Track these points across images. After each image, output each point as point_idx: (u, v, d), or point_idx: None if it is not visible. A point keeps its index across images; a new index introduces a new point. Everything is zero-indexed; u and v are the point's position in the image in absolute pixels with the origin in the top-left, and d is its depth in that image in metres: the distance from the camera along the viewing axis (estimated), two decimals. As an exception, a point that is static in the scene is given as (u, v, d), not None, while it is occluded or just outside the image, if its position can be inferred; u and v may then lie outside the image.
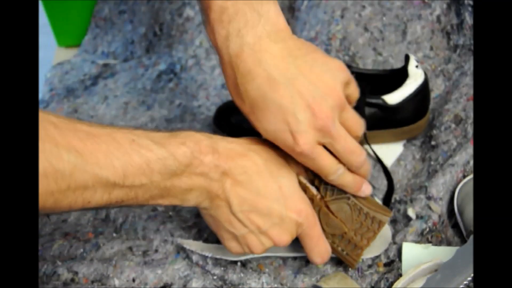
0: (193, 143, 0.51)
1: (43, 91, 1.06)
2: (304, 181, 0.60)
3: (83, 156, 0.46)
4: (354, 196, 0.60)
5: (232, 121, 0.84)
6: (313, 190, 0.60)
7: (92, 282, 0.66)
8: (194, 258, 0.67)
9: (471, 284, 0.55)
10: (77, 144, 0.46)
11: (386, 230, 0.67)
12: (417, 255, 0.64)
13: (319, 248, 0.59)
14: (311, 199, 0.59)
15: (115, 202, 0.50)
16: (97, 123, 0.51)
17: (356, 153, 0.57)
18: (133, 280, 0.65)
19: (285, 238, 0.57)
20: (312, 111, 0.53)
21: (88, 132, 0.48)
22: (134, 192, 0.50)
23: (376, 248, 0.66)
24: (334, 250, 0.62)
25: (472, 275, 0.55)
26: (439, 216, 0.68)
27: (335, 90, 0.54)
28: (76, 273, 0.66)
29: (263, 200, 0.54)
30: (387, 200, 0.72)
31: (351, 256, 0.61)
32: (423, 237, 0.67)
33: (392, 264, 0.65)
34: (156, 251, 0.69)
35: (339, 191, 0.60)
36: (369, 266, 0.65)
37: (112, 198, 0.49)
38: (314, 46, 0.57)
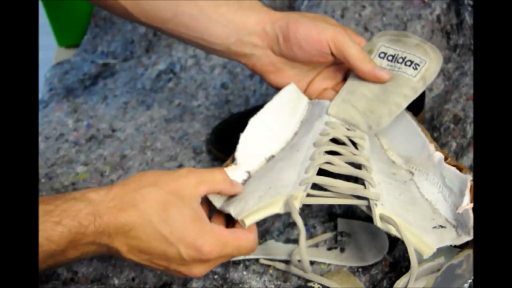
0: (70, 219, 0.49)
1: (42, 91, 1.06)
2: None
3: None
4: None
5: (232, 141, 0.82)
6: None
7: (92, 281, 0.66)
8: None
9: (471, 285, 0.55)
10: None
11: (384, 242, 0.66)
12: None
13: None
14: None
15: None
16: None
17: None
18: (133, 280, 0.65)
19: (197, 272, 0.55)
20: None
21: None
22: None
23: (372, 257, 0.66)
24: None
25: (471, 277, 0.54)
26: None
27: None
28: (75, 272, 0.66)
29: (157, 248, 0.52)
30: None
31: None
32: None
33: (398, 264, 0.65)
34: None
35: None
36: (374, 265, 0.65)
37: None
38: None
